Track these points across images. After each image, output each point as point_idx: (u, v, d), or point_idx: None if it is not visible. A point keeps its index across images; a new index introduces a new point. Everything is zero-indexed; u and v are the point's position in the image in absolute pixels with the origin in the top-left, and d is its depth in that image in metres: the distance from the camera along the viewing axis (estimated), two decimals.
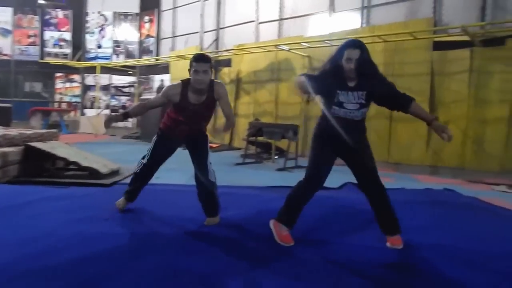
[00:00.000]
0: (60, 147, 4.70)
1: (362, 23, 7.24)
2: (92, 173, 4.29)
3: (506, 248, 2.47)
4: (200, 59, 2.55)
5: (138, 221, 2.82)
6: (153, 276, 1.90)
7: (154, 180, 4.33)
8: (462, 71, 5.99)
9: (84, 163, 4.37)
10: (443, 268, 2.14)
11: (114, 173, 4.61)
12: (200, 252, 2.24)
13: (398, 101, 2.39)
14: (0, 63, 12.36)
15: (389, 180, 5.39)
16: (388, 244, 2.42)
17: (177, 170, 5.05)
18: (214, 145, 9.09)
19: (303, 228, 2.68)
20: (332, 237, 2.60)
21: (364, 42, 7.25)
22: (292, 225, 2.47)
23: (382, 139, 6.77)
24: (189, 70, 2.59)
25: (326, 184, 3.79)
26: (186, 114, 2.69)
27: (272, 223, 2.50)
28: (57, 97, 13.01)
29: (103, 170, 4.37)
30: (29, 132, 4.76)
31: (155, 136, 2.89)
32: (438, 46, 6.23)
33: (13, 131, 4.62)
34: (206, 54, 2.83)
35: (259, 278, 1.93)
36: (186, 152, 2.87)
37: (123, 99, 13.08)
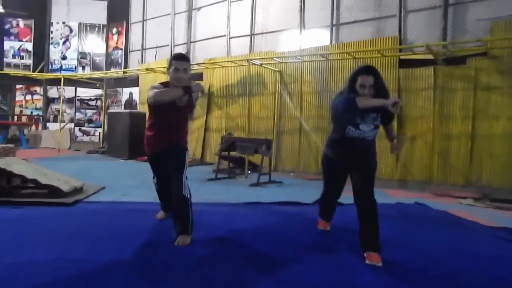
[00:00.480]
0: (17, 164, 4.36)
1: (331, 40, 7.40)
2: (52, 191, 3.99)
3: (477, 266, 2.47)
4: (180, 57, 2.65)
5: (98, 244, 2.57)
6: None
7: (120, 198, 4.11)
8: (427, 88, 6.23)
9: (44, 180, 4.06)
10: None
11: (78, 190, 4.31)
12: (166, 276, 2.08)
13: (389, 118, 2.62)
14: None
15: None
16: (367, 261, 2.37)
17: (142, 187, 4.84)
18: None
19: (268, 248, 2.59)
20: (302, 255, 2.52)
21: (334, 58, 7.41)
22: (328, 220, 3.12)
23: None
24: (168, 69, 2.64)
25: (299, 200, 3.76)
26: (170, 119, 2.71)
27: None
28: (17, 110, 12.28)
29: (65, 187, 4.08)
30: None
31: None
32: (404, 63, 6.46)
33: None
34: (185, 54, 2.93)
35: None
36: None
37: (89, 112, 12.56)
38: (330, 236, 3.03)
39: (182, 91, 2.52)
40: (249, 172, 7.07)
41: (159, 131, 2.77)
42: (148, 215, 3.38)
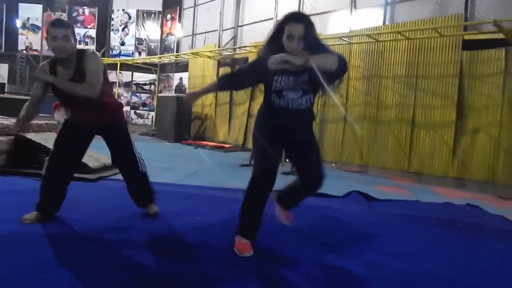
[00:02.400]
0: (53, 139, 4.55)
1: (385, 20, 6.70)
2: (80, 166, 4.09)
3: None
4: (56, 23, 2.20)
5: (97, 219, 2.52)
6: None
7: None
8: (496, 73, 5.34)
9: None
10: None
11: (106, 168, 4.40)
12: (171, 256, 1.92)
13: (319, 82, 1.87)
14: (30, 58, 12.73)
15: (404, 192, 4.86)
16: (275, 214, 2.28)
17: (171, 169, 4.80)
18: (226, 146, 8.82)
19: (274, 239, 2.31)
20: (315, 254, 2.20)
21: (385, 39, 6.68)
22: (251, 236, 2.11)
23: (402, 146, 6.20)
24: (47, 38, 2.22)
25: (328, 192, 3.30)
26: (64, 97, 2.27)
27: (235, 238, 2.15)
28: None
29: (93, 164, 4.18)
30: None
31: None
32: (469, 45, 5.60)
33: (8, 120, 4.53)
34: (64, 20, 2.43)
35: None
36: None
37: (144, 96, 13.11)
38: (350, 232, 2.66)
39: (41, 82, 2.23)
40: (287, 160, 6.76)
41: (72, 112, 2.42)
42: (162, 196, 3.29)
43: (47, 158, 2.42)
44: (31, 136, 4.21)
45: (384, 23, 6.70)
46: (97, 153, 4.75)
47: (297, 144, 2.09)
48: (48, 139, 4.40)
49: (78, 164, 2.58)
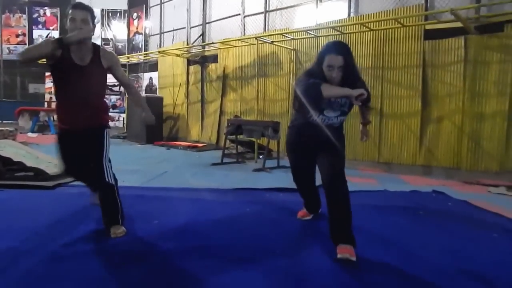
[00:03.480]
0: (9, 146, 4.32)
1: (349, 13, 6.74)
2: (38, 174, 3.90)
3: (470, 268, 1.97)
4: (77, 5, 2.17)
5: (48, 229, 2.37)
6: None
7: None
8: (457, 62, 5.47)
9: (31, 163, 3.98)
10: None
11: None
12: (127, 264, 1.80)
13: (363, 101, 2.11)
14: None
15: (373, 182, 4.91)
16: (338, 255, 1.98)
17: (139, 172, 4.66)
18: (200, 145, 8.69)
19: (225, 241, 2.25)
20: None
21: (350, 31, 6.73)
22: (310, 210, 2.79)
23: (371, 137, 6.27)
24: (66, 23, 2.17)
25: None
26: (71, 83, 2.17)
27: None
28: (47, 96, 12.72)
29: (51, 171, 3.98)
30: None
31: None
32: (430, 34, 5.71)
33: None
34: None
35: None
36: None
37: (113, 98, 12.74)
38: (307, 226, 2.64)
39: (55, 43, 2.05)
40: (260, 157, 6.71)
41: (67, 106, 2.30)
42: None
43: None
44: None
45: (349, 15, 6.74)
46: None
47: (323, 153, 2.29)
48: (3, 147, 4.17)
49: (94, 166, 2.29)
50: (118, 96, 12.72)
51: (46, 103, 12.60)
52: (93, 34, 2.22)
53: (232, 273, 1.81)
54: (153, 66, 11.31)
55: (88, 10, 2.19)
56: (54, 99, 11.99)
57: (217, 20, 9.41)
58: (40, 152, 4.68)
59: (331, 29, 6.38)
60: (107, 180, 2.26)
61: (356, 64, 2.24)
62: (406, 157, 5.93)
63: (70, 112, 2.30)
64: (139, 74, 12.06)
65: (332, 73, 2.05)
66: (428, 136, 5.77)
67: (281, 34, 6.94)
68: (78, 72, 2.19)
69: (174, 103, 10.33)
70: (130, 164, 5.69)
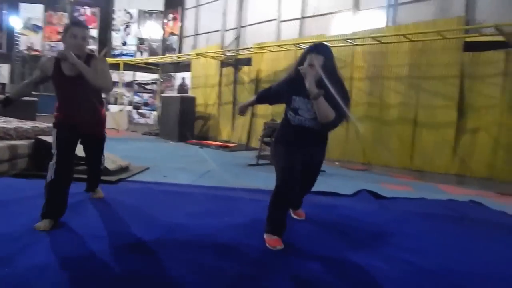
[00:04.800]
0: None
1: (387, 22, 6.87)
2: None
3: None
4: (78, 23, 2.51)
5: (127, 222, 2.66)
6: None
7: (161, 179, 4.23)
8: (496, 74, 5.54)
9: None
10: None
11: (123, 169, 4.55)
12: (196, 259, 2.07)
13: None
14: (32, 58, 12.75)
15: (409, 189, 5.06)
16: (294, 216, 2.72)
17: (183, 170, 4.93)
18: (231, 145, 8.98)
19: (302, 239, 2.48)
20: (334, 251, 2.36)
21: (389, 41, 6.87)
22: (279, 232, 2.30)
23: (404, 145, 6.40)
24: (64, 36, 2.40)
25: (338, 191, 3.52)
26: (67, 91, 2.48)
27: (265, 235, 2.34)
28: None
29: (111, 166, 4.31)
30: (42, 125, 4.78)
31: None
32: (470, 47, 5.80)
33: (26, 124, 4.66)
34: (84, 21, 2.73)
35: None
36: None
37: (146, 96, 13.21)
38: (359, 233, 2.84)
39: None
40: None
41: (66, 113, 2.52)
42: (182, 197, 3.45)
43: (53, 162, 2.43)
44: (47, 138, 4.33)
45: (387, 24, 6.87)
46: (113, 155, 4.90)
47: (305, 158, 2.37)
48: None
49: (92, 164, 3.02)
50: (150, 94, 13.19)
51: None
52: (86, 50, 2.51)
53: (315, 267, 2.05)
54: (186, 67, 11.69)
55: (87, 28, 2.48)
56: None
57: (252, 24, 9.67)
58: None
59: (369, 38, 6.52)
60: (101, 168, 3.19)
61: (338, 68, 2.32)
62: (440, 166, 6.03)
63: (70, 116, 2.53)
64: (171, 73, 12.47)
65: (312, 71, 2.12)
66: (462, 146, 5.86)
67: (319, 42, 7.11)
68: (69, 83, 2.46)
69: (205, 103, 10.67)
70: (173, 162, 6.03)
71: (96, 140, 2.87)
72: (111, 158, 4.71)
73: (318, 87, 2.12)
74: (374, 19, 7.07)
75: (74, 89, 2.47)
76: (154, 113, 12.92)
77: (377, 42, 6.49)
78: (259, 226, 2.48)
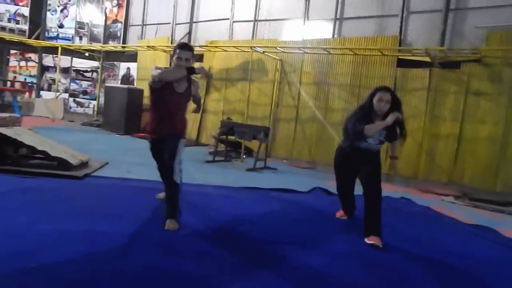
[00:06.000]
0: (25, 134, 4.48)
1: (334, 34, 7.56)
2: (61, 163, 4.15)
3: (457, 249, 2.81)
4: (184, 46, 2.81)
5: (118, 218, 2.79)
6: (140, 278, 1.89)
7: (125, 174, 4.28)
8: (422, 89, 6.51)
9: (52, 152, 4.21)
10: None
11: (84, 164, 4.48)
12: (185, 253, 2.31)
13: (392, 136, 3.01)
14: None
15: None
16: (366, 240, 2.76)
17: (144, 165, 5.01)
18: None
19: (272, 233, 2.87)
20: (304, 242, 2.79)
21: (336, 53, 7.57)
22: (347, 214, 3.44)
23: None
24: (171, 56, 2.86)
25: (293, 187, 3.90)
26: (169, 104, 2.84)
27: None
28: (11, 75, 12.10)
29: (73, 161, 4.24)
30: None
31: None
32: (402, 63, 6.71)
33: None
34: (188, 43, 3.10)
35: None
36: None
37: (85, 83, 12.47)
38: (330, 223, 3.32)
39: (185, 72, 2.72)
40: (244, 156, 7.31)
41: (160, 118, 2.89)
42: (155, 194, 3.60)
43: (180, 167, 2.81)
44: (3, 131, 4.10)
45: (333, 36, 7.55)
46: (70, 149, 4.77)
47: (363, 168, 3.01)
48: (20, 134, 4.33)
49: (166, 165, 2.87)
50: (89, 83, 12.48)
51: (9, 83, 11.99)
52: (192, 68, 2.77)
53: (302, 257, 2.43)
54: (131, 57, 11.31)
55: (192, 50, 2.83)
56: (18, 78, 11.30)
57: (205, 21, 9.77)
58: (50, 140, 4.84)
59: (320, 48, 7.12)
60: (174, 178, 2.71)
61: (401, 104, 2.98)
62: None
63: (160, 123, 2.89)
64: (115, 62, 11.96)
65: (380, 104, 2.85)
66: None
67: (274, 46, 7.56)
68: (175, 98, 2.86)
69: None
70: (128, 156, 5.99)
71: (170, 137, 2.85)
72: (69, 152, 4.60)
73: (384, 116, 2.90)
74: (322, 29, 7.72)
75: (176, 104, 2.88)
76: (94, 102, 12.28)
77: (326, 52, 7.13)
78: (245, 219, 2.79)
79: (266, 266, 2.23)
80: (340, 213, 3.50)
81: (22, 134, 4.41)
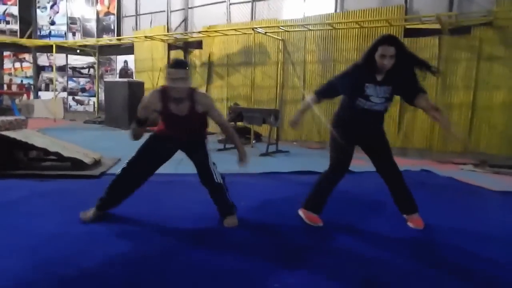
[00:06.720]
0: (34, 136, 4.36)
1: (336, 8, 7.32)
2: (75, 163, 4.05)
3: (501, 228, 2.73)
4: (176, 65, 2.36)
5: (150, 215, 2.70)
6: (187, 277, 1.82)
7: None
8: (431, 58, 6.32)
9: (65, 153, 4.10)
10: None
11: (97, 163, 4.38)
12: (234, 248, 2.22)
13: (408, 95, 2.51)
14: None
15: (361, 162, 5.64)
16: (410, 224, 2.61)
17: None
18: None
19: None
20: (355, 223, 2.70)
21: (341, 27, 7.35)
22: (319, 211, 2.62)
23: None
24: (166, 77, 2.41)
25: (309, 169, 3.74)
26: (174, 125, 2.53)
27: (300, 211, 2.64)
28: (6, 78, 11.88)
29: (86, 160, 4.14)
30: None
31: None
32: (409, 33, 6.51)
33: None
34: (183, 60, 2.61)
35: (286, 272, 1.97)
36: None
37: (82, 80, 12.26)
38: (358, 205, 3.23)
39: (134, 124, 2.46)
40: (253, 141, 7.20)
41: (171, 132, 2.59)
42: (177, 187, 3.52)
43: (127, 161, 2.55)
44: (13, 135, 3.98)
45: (335, 10, 7.31)
46: (82, 148, 4.66)
47: (370, 140, 2.61)
48: (30, 136, 4.21)
49: (150, 175, 2.62)
50: (87, 79, 12.26)
51: (5, 86, 11.78)
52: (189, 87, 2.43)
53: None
54: (128, 49, 11.07)
55: (185, 67, 2.38)
56: (14, 80, 11.15)
57: (200, 6, 9.48)
58: (61, 140, 4.73)
59: (324, 24, 6.91)
60: (216, 181, 2.61)
61: (411, 53, 2.44)
62: None
63: (171, 133, 2.59)
64: (111, 56, 11.72)
65: (383, 61, 2.32)
66: (405, 122, 6.65)
67: (276, 26, 7.33)
68: (179, 120, 2.48)
69: (155, 87, 10.31)
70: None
71: (195, 147, 2.64)
72: (81, 151, 4.49)
73: (393, 73, 2.37)
74: (324, 4, 7.47)
75: (182, 125, 2.50)
76: (94, 99, 12.10)
77: (330, 28, 6.91)
78: (276, 205, 2.71)
79: (318, 254, 2.15)
80: (315, 218, 2.63)
81: (32, 136, 4.29)
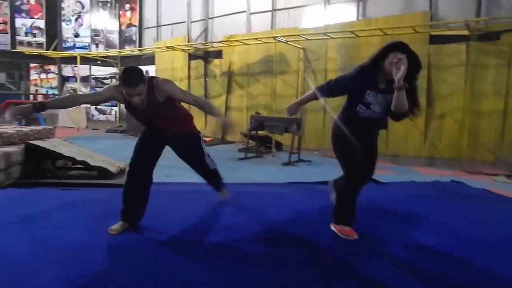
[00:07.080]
0: (62, 145, 4.42)
1: (358, 16, 7.25)
2: (101, 172, 4.08)
3: None
4: (126, 83, 2.10)
5: (181, 224, 2.65)
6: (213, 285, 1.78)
7: (164, 178, 4.15)
8: (459, 65, 6.16)
9: (91, 162, 4.14)
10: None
11: (122, 171, 4.40)
12: (269, 260, 2.13)
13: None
14: None
15: (388, 172, 5.51)
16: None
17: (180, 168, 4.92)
18: (207, 139, 8.92)
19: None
20: (392, 235, 2.59)
21: (363, 35, 7.25)
22: (350, 223, 2.46)
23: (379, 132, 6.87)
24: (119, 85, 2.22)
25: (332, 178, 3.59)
26: (142, 119, 2.46)
27: (332, 226, 2.51)
28: (32, 89, 12.27)
29: (112, 169, 4.17)
30: (26, 129, 4.43)
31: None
32: (434, 40, 6.36)
33: (9, 129, 4.29)
34: (135, 70, 2.15)
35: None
36: None
37: None
38: (391, 216, 3.11)
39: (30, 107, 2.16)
40: (275, 150, 7.14)
41: (147, 127, 2.55)
42: (202, 195, 3.47)
43: (129, 163, 2.50)
44: (42, 144, 4.05)
45: (357, 18, 7.24)
46: (108, 158, 4.71)
47: (367, 145, 2.51)
48: (57, 146, 4.27)
49: (151, 171, 2.60)
50: None
51: (32, 96, 12.16)
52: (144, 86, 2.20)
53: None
54: (149, 60, 11.26)
55: (138, 84, 2.12)
56: (40, 91, 11.55)
57: (220, 16, 9.58)
58: (87, 149, 4.79)
59: (346, 32, 6.84)
60: (211, 169, 2.79)
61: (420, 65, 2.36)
62: (412, 149, 6.60)
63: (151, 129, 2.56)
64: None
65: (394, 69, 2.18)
66: (431, 130, 6.46)
67: (297, 35, 7.30)
68: (142, 112, 2.35)
69: None
70: (160, 159, 5.89)
71: (182, 141, 2.61)
72: (107, 160, 4.53)
73: (390, 79, 2.23)
74: (345, 12, 7.41)
75: (149, 118, 2.42)
76: (115, 109, 12.33)
77: (353, 35, 6.83)
78: (308, 217, 2.62)
79: (355, 269, 2.05)
80: (350, 231, 2.43)
81: (59, 145, 4.35)
